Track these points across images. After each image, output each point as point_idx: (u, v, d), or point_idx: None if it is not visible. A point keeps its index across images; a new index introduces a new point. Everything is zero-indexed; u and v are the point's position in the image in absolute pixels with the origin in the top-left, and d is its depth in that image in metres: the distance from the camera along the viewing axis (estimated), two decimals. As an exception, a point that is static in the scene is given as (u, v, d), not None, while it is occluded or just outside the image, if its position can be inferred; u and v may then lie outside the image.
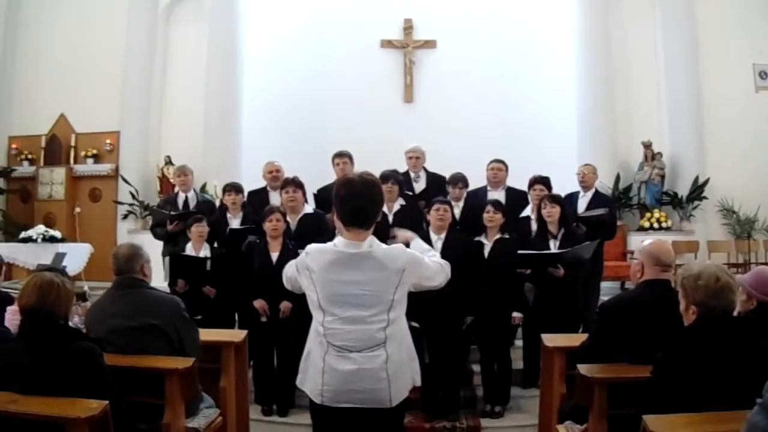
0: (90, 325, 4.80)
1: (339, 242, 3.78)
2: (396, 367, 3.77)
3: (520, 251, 7.11)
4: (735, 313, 3.80)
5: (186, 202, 9.14)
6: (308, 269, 3.78)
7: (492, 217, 7.30)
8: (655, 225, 12.89)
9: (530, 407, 7.03)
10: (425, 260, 3.97)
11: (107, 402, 3.70)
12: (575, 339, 5.18)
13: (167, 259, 7.96)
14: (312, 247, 3.87)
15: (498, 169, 8.77)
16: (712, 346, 3.48)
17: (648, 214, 13.03)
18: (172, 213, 8.64)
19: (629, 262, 4.82)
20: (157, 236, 8.93)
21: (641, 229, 12.91)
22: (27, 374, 3.78)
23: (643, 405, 3.61)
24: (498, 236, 7.31)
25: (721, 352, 3.46)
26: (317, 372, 3.77)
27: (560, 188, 8.68)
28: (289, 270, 4.01)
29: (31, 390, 3.76)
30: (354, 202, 3.76)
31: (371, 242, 3.77)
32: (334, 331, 3.72)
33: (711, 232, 13.27)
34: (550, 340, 5.65)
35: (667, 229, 12.89)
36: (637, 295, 4.57)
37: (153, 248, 6.96)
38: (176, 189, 9.61)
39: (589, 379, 4.39)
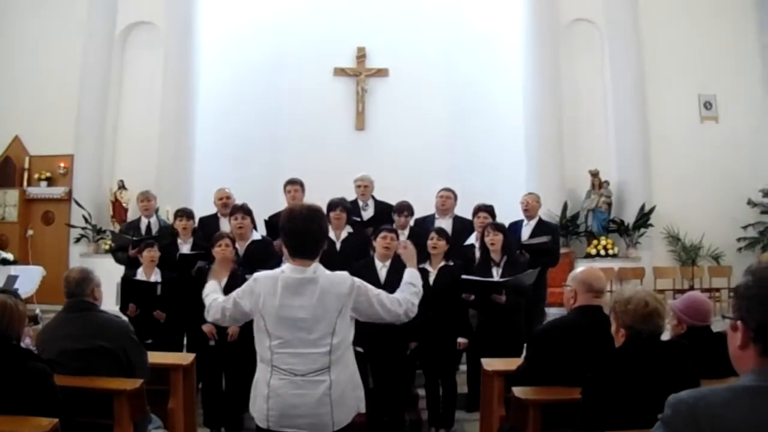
0: (41, 346, 4.85)
1: (286, 268, 3.97)
2: (339, 394, 3.89)
3: (463, 276, 7.17)
4: (667, 338, 3.97)
5: (149, 227, 9.15)
6: (254, 295, 3.92)
7: (436, 244, 7.34)
8: (602, 252, 13.10)
9: (473, 430, 7.10)
10: (372, 290, 4.10)
11: (57, 420, 3.76)
12: (513, 363, 5.29)
13: (117, 283, 8.01)
14: (260, 273, 4.03)
15: (446, 197, 8.85)
16: (638, 368, 3.63)
17: (595, 242, 13.25)
18: (135, 238, 8.63)
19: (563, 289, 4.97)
20: (118, 260, 8.90)
21: (588, 256, 13.12)
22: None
23: (574, 425, 3.77)
24: (442, 263, 7.37)
25: (647, 373, 3.60)
26: (263, 397, 3.88)
27: (509, 217, 8.84)
28: (226, 303, 4.09)
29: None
30: (297, 235, 3.95)
31: (315, 268, 3.93)
32: (280, 355, 3.84)
33: (657, 258, 13.58)
34: (489, 364, 5.81)
35: (614, 256, 13.14)
36: (570, 320, 4.71)
37: (105, 273, 6.98)
38: (137, 214, 9.68)
39: (524, 401, 4.57)
